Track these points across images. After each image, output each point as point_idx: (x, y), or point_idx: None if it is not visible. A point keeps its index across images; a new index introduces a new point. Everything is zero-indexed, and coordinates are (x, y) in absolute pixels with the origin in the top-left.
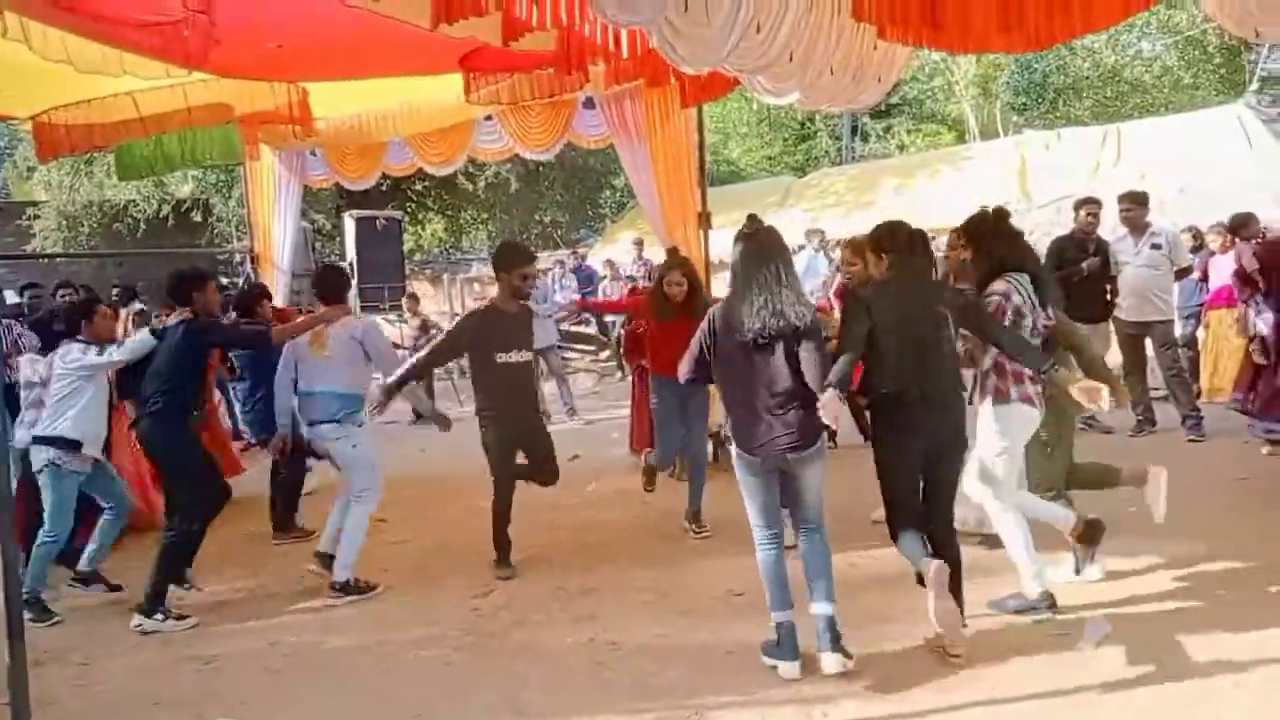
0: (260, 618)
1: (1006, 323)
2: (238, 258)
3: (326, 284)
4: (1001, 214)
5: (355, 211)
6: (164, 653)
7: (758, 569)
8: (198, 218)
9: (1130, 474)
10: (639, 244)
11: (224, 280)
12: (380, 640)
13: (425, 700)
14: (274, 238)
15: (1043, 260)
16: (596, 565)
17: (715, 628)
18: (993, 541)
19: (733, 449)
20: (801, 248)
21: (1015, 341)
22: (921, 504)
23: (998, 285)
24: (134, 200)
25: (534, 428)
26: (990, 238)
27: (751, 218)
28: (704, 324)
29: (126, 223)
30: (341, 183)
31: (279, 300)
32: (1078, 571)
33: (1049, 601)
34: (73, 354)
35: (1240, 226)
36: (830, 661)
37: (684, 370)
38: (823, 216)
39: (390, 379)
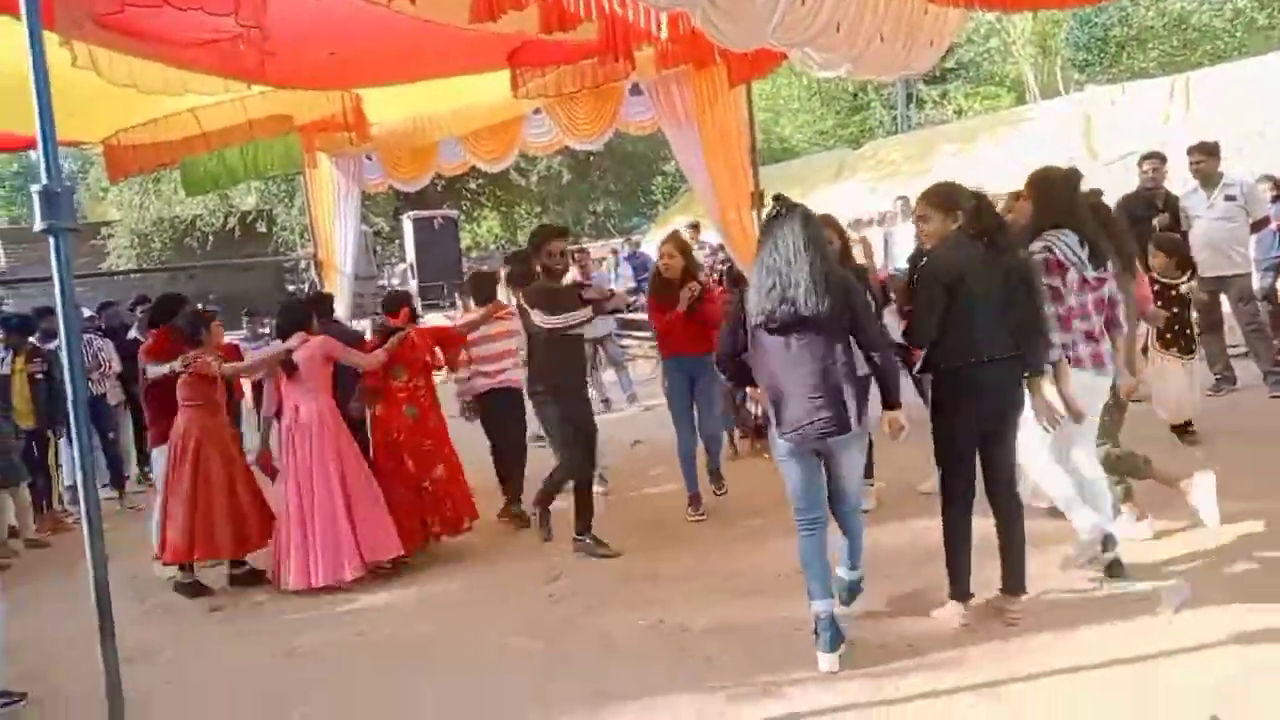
0: (343, 604)
1: (1053, 280)
2: (302, 264)
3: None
4: (1066, 175)
5: (413, 213)
6: (251, 647)
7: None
8: (262, 228)
9: (1161, 473)
10: (695, 227)
11: (290, 287)
12: (463, 629)
13: (514, 686)
14: (335, 243)
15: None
16: (661, 549)
17: (780, 606)
18: (1056, 512)
19: (771, 430)
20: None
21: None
22: (974, 471)
23: (1036, 244)
24: (201, 214)
25: (586, 407)
26: (1051, 196)
27: (778, 198)
28: (734, 305)
29: (195, 236)
30: (396, 185)
31: (346, 304)
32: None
33: (1107, 543)
34: None
35: None
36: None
37: (722, 350)
38: (880, 187)
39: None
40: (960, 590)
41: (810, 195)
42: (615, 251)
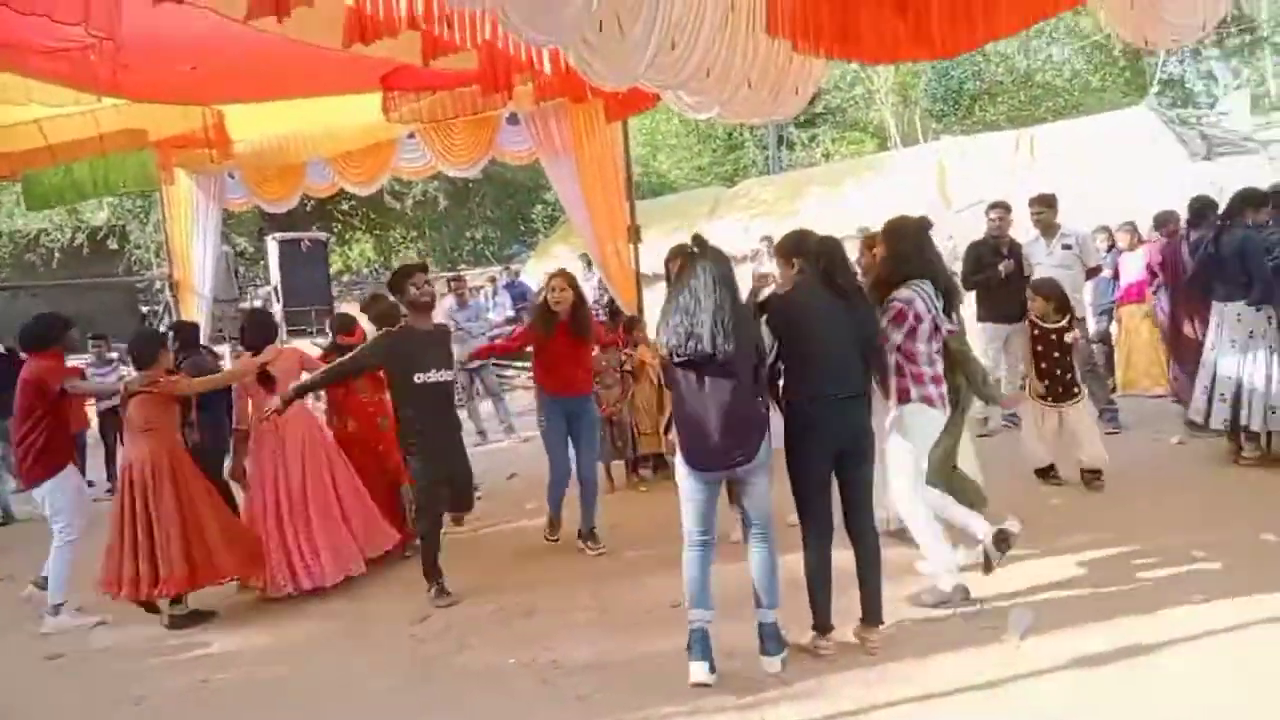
0: (196, 650)
1: (907, 327)
2: (157, 285)
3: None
4: (918, 224)
5: (279, 234)
6: (91, 692)
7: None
8: (114, 245)
9: (992, 512)
10: (586, 259)
11: (144, 309)
12: (320, 671)
13: None
14: (194, 263)
15: (960, 264)
16: (537, 585)
17: (656, 640)
18: (904, 537)
19: (678, 457)
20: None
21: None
22: (830, 503)
23: (902, 292)
24: (46, 229)
25: (458, 454)
26: (904, 244)
27: (695, 238)
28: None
29: (39, 253)
30: (261, 205)
31: (203, 327)
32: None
33: (963, 594)
34: None
35: (1161, 224)
36: (768, 664)
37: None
38: (752, 225)
39: (290, 388)
40: (821, 622)
41: (685, 230)
42: (494, 279)
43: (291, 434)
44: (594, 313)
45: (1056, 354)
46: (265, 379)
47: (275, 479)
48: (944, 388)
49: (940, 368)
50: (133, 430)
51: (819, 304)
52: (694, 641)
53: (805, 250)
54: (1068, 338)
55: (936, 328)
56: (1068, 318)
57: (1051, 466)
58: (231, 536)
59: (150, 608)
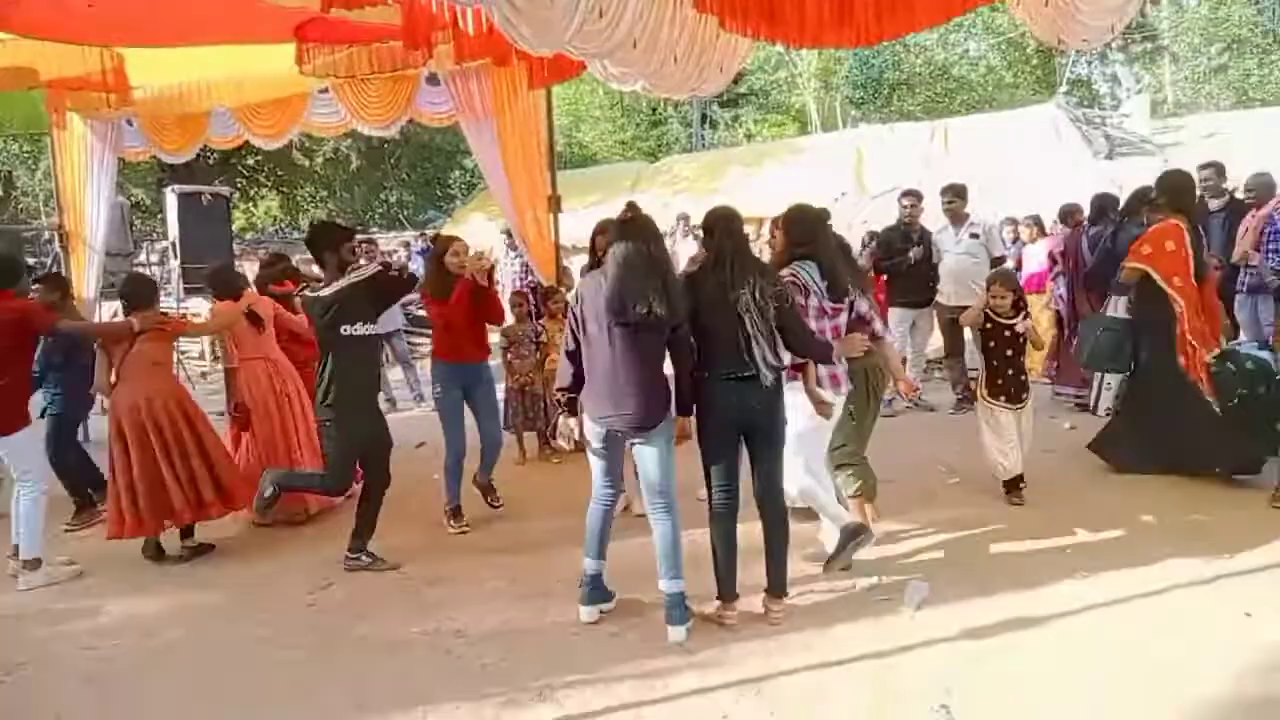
0: (68, 621)
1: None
2: (46, 235)
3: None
4: (818, 214)
5: (178, 186)
6: None
7: None
8: None
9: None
10: (508, 234)
11: (30, 260)
12: (209, 639)
13: (263, 698)
14: (86, 214)
15: (872, 249)
16: (443, 555)
17: (562, 610)
18: (809, 514)
19: (585, 415)
20: (670, 231)
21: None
22: (733, 477)
23: (784, 272)
24: None
25: (379, 424)
26: (798, 229)
27: (630, 205)
28: (570, 315)
29: None
30: (160, 155)
31: (94, 282)
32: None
33: (863, 530)
34: None
35: (1066, 216)
36: (673, 633)
37: (564, 377)
38: (673, 202)
39: None
40: (727, 592)
41: (607, 203)
42: (407, 245)
43: (282, 371)
44: (525, 292)
45: (1010, 352)
46: (253, 319)
47: (283, 412)
48: (837, 368)
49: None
50: (140, 366)
51: (713, 283)
52: (584, 583)
53: (707, 228)
54: (1019, 327)
55: (823, 309)
56: (1022, 314)
57: (1020, 478)
58: (236, 467)
59: (156, 550)
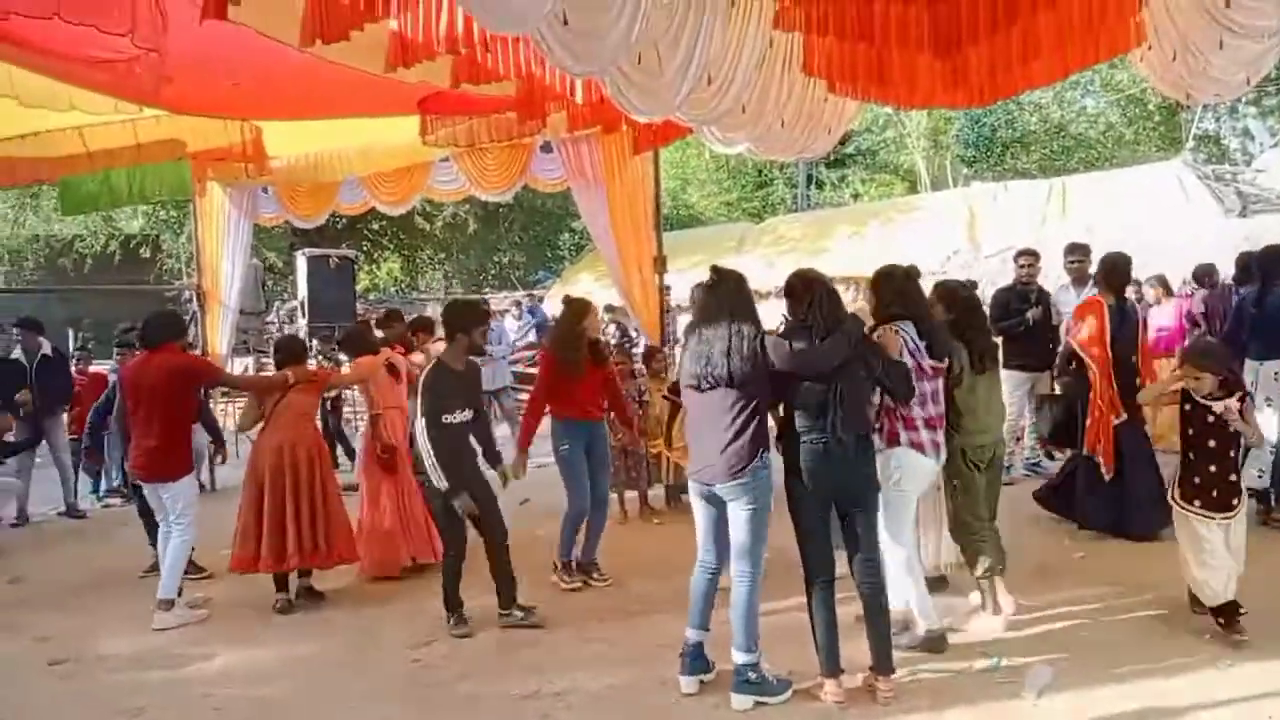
0: (196, 663)
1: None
2: (185, 295)
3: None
4: (906, 271)
5: (308, 250)
6: (89, 701)
7: None
8: (146, 254)
9: (1003, 587)
10: (612, 311)
11: None
12: (317, 693)
13: None
14: (222, 275)
15: (986, 310)
16: (545, 614)
17: (662, 674)
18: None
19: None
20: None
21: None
22: (826, 545)
23: (884, 328)
24: (81, 235)
25: (479, 484)
26: (887, 289)
27: (714, 269)
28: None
29: (72, 258)
30: (292, 221)
31: (227, 338)
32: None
33: (938, 642)
34: None
35: (1202, 277)
36: (735, 701)
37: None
38: (778, 262)
39: None
40: (830, 668)
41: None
42: (518, 304)
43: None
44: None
45: (1213, 443)
46: (392, 370)
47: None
48: (937, 434)
49: (932, 412)
50: (289, 415)
51: (800, 344)
52: (683, 654)
53: (791, 292)
54: (1217, 408)
55: (923, 370)
56: (1236, 395)
57: (1236, 606)
58: (347, 524)
59: (281, 584)
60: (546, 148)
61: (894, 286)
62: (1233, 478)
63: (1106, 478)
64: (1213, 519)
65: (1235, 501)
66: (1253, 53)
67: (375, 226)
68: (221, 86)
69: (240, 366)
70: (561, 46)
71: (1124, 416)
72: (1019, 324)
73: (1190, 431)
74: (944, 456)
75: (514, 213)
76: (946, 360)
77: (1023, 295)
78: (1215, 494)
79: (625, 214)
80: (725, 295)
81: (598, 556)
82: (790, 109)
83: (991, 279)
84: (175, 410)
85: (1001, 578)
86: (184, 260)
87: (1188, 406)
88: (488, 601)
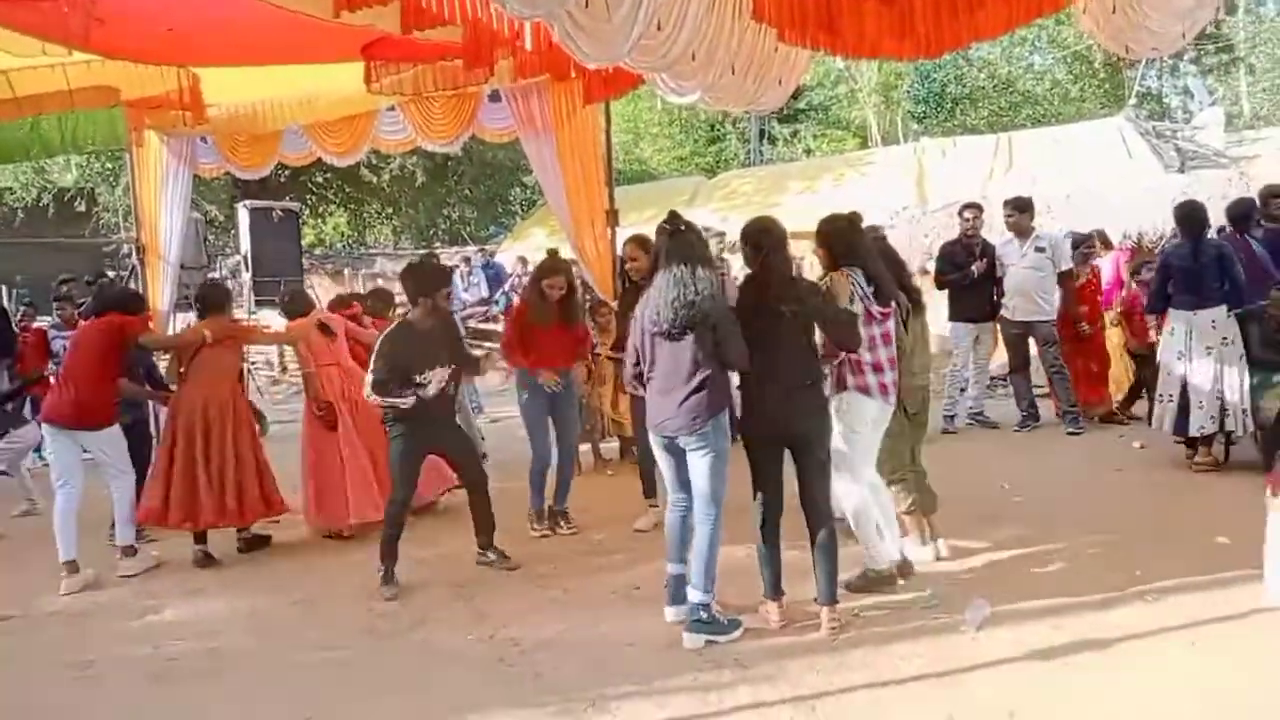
0: (148, 615)
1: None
2: (124, 249)
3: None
4: (849, 217)
5: (250, 202)
6: (36, 658)
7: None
8: (81, 207)
9: (932, 521)
10: (523, 262)
11: (110, 274)
12: (271, 643)
13: (325, 702)
14: (162, 229)
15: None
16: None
17: (616, 622)
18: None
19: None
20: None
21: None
22: (775, 484)
23: (833, 274)
24: (10, 187)
25: (454, 434)
26: (834, 237)
27: (673, 214)
28: (634, 324)
29: (2, 211)
30: (234, 172)
31: (168, 295)
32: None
33: (901, 571)
34: None
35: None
36: (686, 639)
37: (629, 378)
38: (731, 216)
39: None
40: (772, 592)
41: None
42: (468, 259)
43: (352, 378)
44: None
45: None
46: (325, 329)
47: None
48: (885, 377)
49: (881, 356)
50: (205, 374)
51: (765, 291)
52: (667, 586)
53: (744, 239)
54: None
55: (871, 315)
56: None
57: None
58: (269, 479)
59: (199, 538)
60: (495, 97)
61: (839, 237)
62: None
63: None
64: None
65: None
66: (1186, 5)
67: (320, 179)
68: (155, 30)
69: (183, 323)
70: None
71: None
72: (964, 277)
73: None
74: (893, 398)
75: (463, 165)
76: (893, 304)
77: (968, 248)
78: None
79: (576, 167)
80: (684, 243)
81: (568, 506)
82: (741, 57)
83: (940, 232)
84: (98, 364)
85: (929, 517)
86: (121, 214)
87: None
88: (449, 549)
